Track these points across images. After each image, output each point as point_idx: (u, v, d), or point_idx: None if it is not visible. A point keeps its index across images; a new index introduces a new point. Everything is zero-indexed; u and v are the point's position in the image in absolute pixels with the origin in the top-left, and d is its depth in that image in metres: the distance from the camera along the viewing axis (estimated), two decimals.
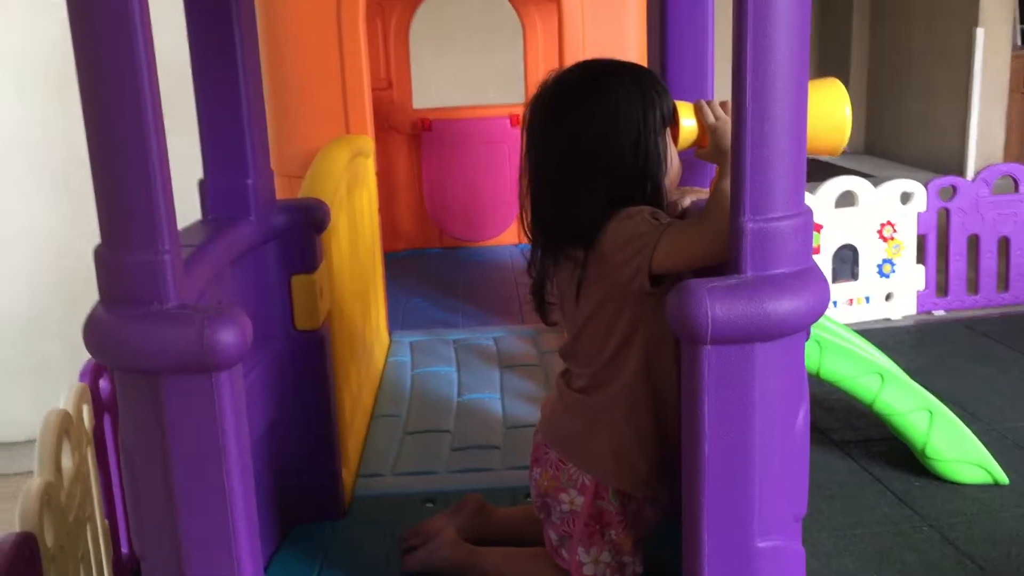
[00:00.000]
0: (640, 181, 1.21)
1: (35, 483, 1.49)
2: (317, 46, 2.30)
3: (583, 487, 1.28)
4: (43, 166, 3.73)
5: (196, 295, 1.13)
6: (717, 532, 1.02)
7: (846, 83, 6.18)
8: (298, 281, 1.53)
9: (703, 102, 1.24)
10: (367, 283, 2.24)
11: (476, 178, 3.32)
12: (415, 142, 3.39)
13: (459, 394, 2.16)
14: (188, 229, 1.35)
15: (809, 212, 1.04)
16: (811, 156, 1.26)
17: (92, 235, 1.03)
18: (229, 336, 0.98)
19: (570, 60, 2.32)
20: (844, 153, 7.49)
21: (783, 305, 0.98)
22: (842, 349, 2.83)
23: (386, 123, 3.32)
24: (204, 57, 1.39)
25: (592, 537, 1.28)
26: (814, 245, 4.25)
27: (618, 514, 1.28)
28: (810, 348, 2.85)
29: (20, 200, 3.41)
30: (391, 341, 2.51)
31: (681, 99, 1.30)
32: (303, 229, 1.53)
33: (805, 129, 1.03)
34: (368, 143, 2.32)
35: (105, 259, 1.02)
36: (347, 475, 1.72)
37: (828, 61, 7.73)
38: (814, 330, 2.81)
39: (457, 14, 4.10)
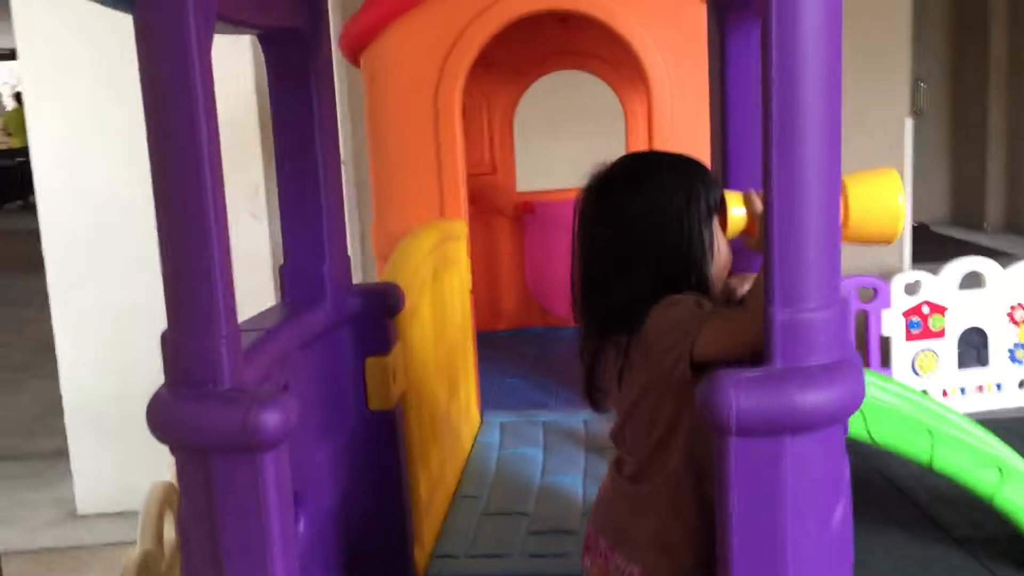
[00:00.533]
0: (685, 269, 1.22)
1: (135, 552, 1.58)
2: (415, 132, 2.41)
3: None
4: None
5: (259, 377, 1.20)
6: None
7: (983, 158, 6.02)
8: (371, 363, 1.59)
9: (752, 191, 1.25)
10: (455, 364, 2.29)
11: None
12: (518, 224, 3.47)
13: (542, 476, 2.17)
14: (264, 313, 1.43)
15: (844, 302, 1.03)
16: (867, 244, 1.25)
17: None
18: (272, 418, 1.04)
19: (659, 142, 2.36)
20: (985, 230, 7.21)
21: (812, 397, 0.97)
22: (957, 440, 2.71)
23: (490, 206, 3.42)
24: (285, 148, 1.49)
25: None
26: (938, 328, 4.10)
27: None
28: (921, 438, 2.74)
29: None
30: (482, 421, 2.54)
31: (742, 186, 1.32)
32: (376, 313, 1.59)
33: (838, 217, 1.02)
34: (461, 227, 2.40)
35: (169, 342, 1.10)
36: (420, 554, 1.75)
37: (964, 137, 7.49)
38: (925, 419, 2.70)
39: (562, 102, 4.21)
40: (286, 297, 1.53)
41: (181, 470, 1.10)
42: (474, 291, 3.12)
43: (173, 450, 1.10)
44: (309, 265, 1.51)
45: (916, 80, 6.88)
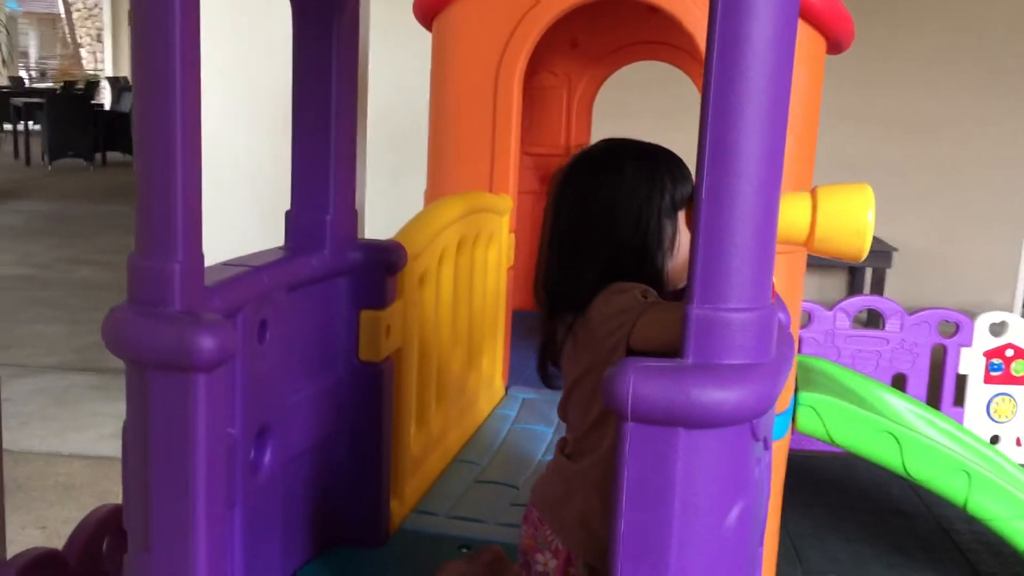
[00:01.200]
0: (637, 258, 1.23)
1: None
2: (473, 103, 2.44)
3: (556, 551, 1.29)
4: (258, 198, 4.17)
5: (225, 308, 1.26)
6: None
7: None
8: (365, 316, 1.64)
9: None
10: (480, 335, 2.33)
11: None
12: None
13: (544, 453, 2.19)
14: (258, 253, 1.50)
15: (771, 310, 1.02)
16: (833, 257, 1.22)
17: None
18: (207, 341, 1.10)
19: None
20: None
21: (712, 394, 0.96)
22: (995, 486, 2.61)
23: None
24: (302, 97, 1.55)
25: None
26: (1020, 373, 3.91)
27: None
28: (958, 479, 2.64)
29: (238, 228, 3.82)
30: (506, 395, 2.57)
31: None
32: (376, 268, 1.64)
33: (774, 221, 1.01)
34: (505, 202, 2.42)
35: (131, 261, 1.17)
36: (400, 507, 1.80)
37: None
38: (963, 462, 2.60)
39: (645, 94, 4.18)
40: (288, 242, 1.59)
41: (128, 381, 1.17)
42: (529, 271, 3.14)
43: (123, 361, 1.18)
44: (312, 213, 1.57)
45: None
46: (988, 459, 2.86)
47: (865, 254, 1.18)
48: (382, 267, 1.65)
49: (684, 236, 1.26)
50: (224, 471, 1.20)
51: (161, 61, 1.10)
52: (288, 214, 1.60)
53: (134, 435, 1.17)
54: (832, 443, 2.71)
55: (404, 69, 3.90)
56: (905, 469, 2.65)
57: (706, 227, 0.98)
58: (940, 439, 2.90)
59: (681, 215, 1.26)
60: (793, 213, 1.20)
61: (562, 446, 1.35)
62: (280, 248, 1.57)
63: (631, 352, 1.16)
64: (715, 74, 0.97)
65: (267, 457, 1.46)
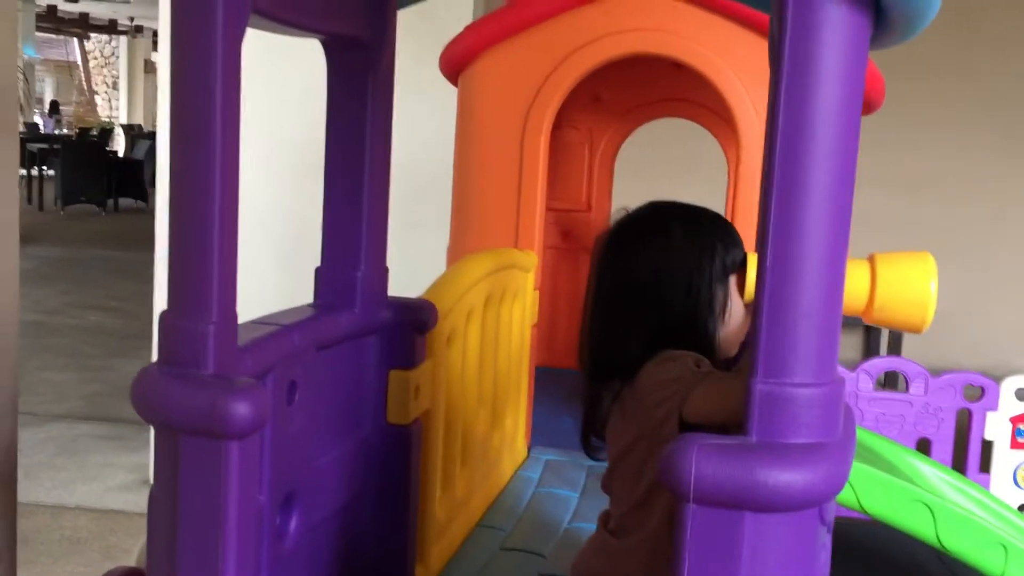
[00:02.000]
0: (688, 325, 1.19)
1: None
2: (499, 158, 2.42)
3: None
4: (280, 247, 4.13)
5: (257, 370, 1.21)
6: None
7: None
8: (394, 376, 1.59)
9: None
10: (505, 394, 2.27)
11: None
12: None
13: (570, 520, 2.12)
14: (289, 310, 1.45)
15: (839, 383, 0.97)
16: (893, 328, 1.17)
17: None
18: (241, 407, 1.04)
19: (742, 200, 2.30)
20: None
21: (779, 476, 0.91)
22: None
23: (580, 244, 3.39)
24: (335, 152, 1.52)
25: None
26: None
27: None
28: (995, 552, 2.56)
29: (254, 275, 3.78)
30: (528, 456, 2.51)
31: None
32: (406, 327, 1.59)
33: (840, 294, 0.96)
34: (530, 258, 2.38)
35: (164, 321, 1.12)
36: (424, 574, 1.73)
37: None
38: (999, 534, 2.52)
39: (667, 151, 4.17)
40: (317, 299, 1.55)
41: (157, 446, 1.12)
42: (551, 326, 3.09)
43: (153, 425, 1.13)
44: (343, 270, 1.53)
45: None
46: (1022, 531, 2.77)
47: (927, 326, 1.13)
48: (412, 326, 1.61)
49: (736, 302, 1.21)
50: (254, 541, 1.14)
51: (202, 112, 1.06)
52: (318, 270, 1.56)
53: (162, 501, 1.11)
54: (863, 512, 2.63)
55: (424, 123, 3.89)
56: (939, 541, 2.56)
57: (771, 297, 0.94)
58: (974, 509, 2.82)
59: (732, 280, 1.22)
60: (851, 281, 1.15)
61: (604, 520, 1.28)
62: (310, 305, 1.53)
63: (683, 424, 1.11)
64: (781, 141, 0.93)
65: (292, 524, 1.40)
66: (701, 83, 2.43)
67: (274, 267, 4.15)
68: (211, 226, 1.08)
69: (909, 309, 1.10)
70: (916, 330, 1.12)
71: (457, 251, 2.52)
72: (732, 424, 1.04)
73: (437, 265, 2.44)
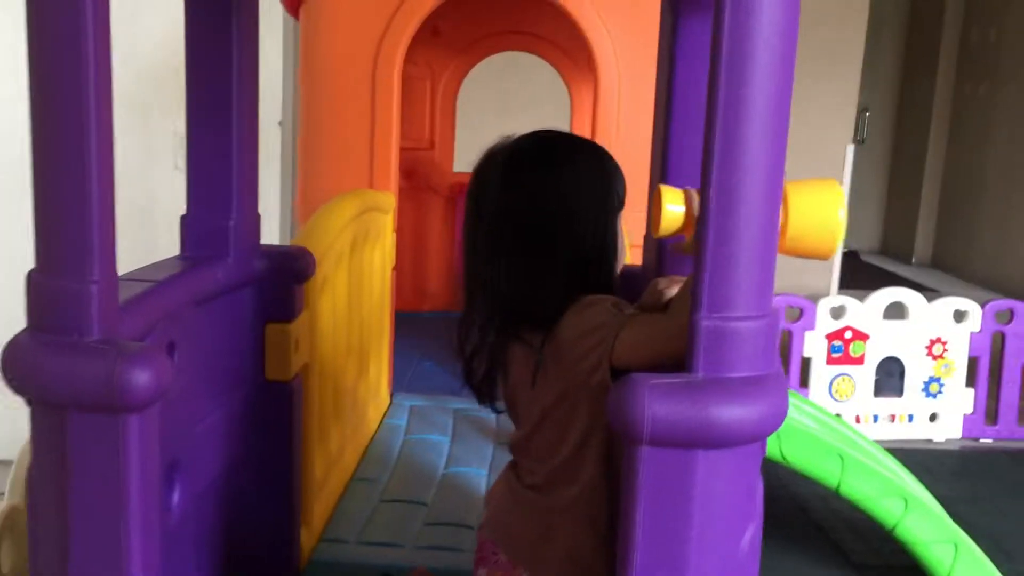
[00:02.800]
0: (597, 263, 1.14)
1: (2, 506, 1.46)
2: (350, 96, 2.30)
3: None
4: None
5: (137, 332, 1.09)
6: None
7: (917, 193, 6.09)
8: (272, 330, 1.49)
9: (692, 191, 1.16)
10: (368, 341, 2.19)
11: None
12: (451, 205, 3.37)
13: (446, 466, 2.09)
14: (156, 265, 1.32)
15: (775, 315, 0.96)
16: (802, 257, 1.19)
17: None
18: (142, 377, 0.93)
19: (602, 135, 2.29)
20: (912, 264, 7.33)
21: (732, 411, 0.90)
22: (866, 467, 2.71)
23: (424, 183, 3.32)
24: (199, 93, 1.38)
25: None
26: (859, 354, 4.13)
27: None
28: (832, 462, 2.73)
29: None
30: (391, 403, 2.45)
31: (683, 184, 1.24)
32: (283, 277, 1.49)
33: (776, 225, 0.95)
34: (389, 199, 2.29)
35: (34, 282, 0.98)
36: (308, 537, 1.65)
37: (901, 169, 7.61)
38: (838, 444, 2.69)
39: (510, 85, 4.13)
40: (185, 250, 1.41)
41: (35, 424, 0.99)
42: (399, 269, 3.01)
43: (28, 402, 0.99)
44: (213, 218, 1.40)
45: (862, 108, 6.96)
46: (853, 443, 2.98)
47: (835, 253, 1.14)
48: (290, 275, 1.50)
49: (623, 239, 1.18)
50: (156, 522, 1.03)
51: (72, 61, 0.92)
52: (184, 219, 1.42)
53: (45, 487, 0.98)
54: None
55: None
56: (783, 455, 2.71)
57: (715, 232, 0.91)
58: (810, 423, 3.00)
59: (621, 216, 1.18)
60: None
61: (519, 477, 1.22)
62: (179, 258, 1.39)
63: (614, 371, 1.06)
64: (723, 78, 0.90)
65: (176, 496, 1.29)
66: (546, 16, 2.39)
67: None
68: (87, 170, 0.95)
69: (821, 237, 1.11)
70: (825, 257, 1.13)
71: (308, 197, 2.40)
72: (661, 365, 1.01)
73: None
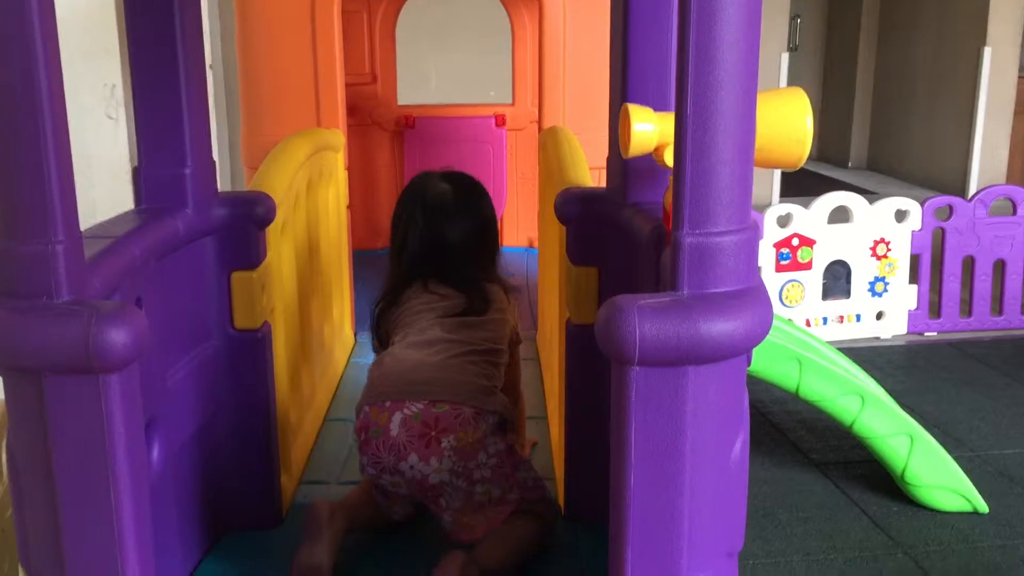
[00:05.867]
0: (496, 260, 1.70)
1: None
2: (290, 36, 2.23)
3: (495, 428, 1.48)
4: None
5: (105, 290, 1.06)
6: (641, 564, 0.95)
7: (851, 98, 6.15)
8: (237, 278, 1.46)
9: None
10: (329, 281, 2.17)
11: None
12: (398, 139, 3.32)
13: None
14: (115, 219, 1.28)
15: (754, 228, 0.97)
16: (770, 167, 1.19)
17: None
18: (119, 335, 0.91)
19: (550, 62, 2.26)
20: (849, 168, 7.43)
21: (719, 326, 0.90)
22: (823, 369, 2.77)
23: (368, 118, 3.25)
24: (142, 39, 1.32)
25: (518, 459, 1.50)
26: (806, 260, 4.20)
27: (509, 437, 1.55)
28: (790, 366, 2.79)
29: None
30: (356, 342, 2.43)
31: (647, 103, 1.23)
32: (244, 223, 1.45)
33: (752, 141, 0.95)
34: (338, 137, 2.25)
35: None
36: (288, 482, 1.65)
37: (833, 75, 7.67)
38: (794, 348, 2.75)
39: (453, 14, 4.04)
40: (142, 203, 1.37)
41: (9, 392, 0.96)
42: (350, 207, 2.97)
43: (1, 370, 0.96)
44: (168, 169, 1.36)
45: (793, 16, 6.97)
46: (808, 345, 3.05)
47: (803, 162, 1.15)
48: (251, 221, 1.47)
49: None
50: (143, 484, 1.02)
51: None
52: (138, 171, 1.37)
53: (27, 455, 0.96)
54: None
55: None
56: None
57: (693, 147, 0.91)
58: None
59: None
60: None
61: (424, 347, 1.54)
62: (137, 211, 1.35)
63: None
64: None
65: (156, 451, 1.28)
66: None
67: None
68: (42, 129, 0.91)
69: (789, 147, 1.11)
70: (793, 167, 1.14)
71: (254, 140, 2.33)
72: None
73: None
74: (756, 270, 0.98)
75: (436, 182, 1.65)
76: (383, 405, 1.43)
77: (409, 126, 3.28)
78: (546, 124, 2.29)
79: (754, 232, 0.97)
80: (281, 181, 1.64)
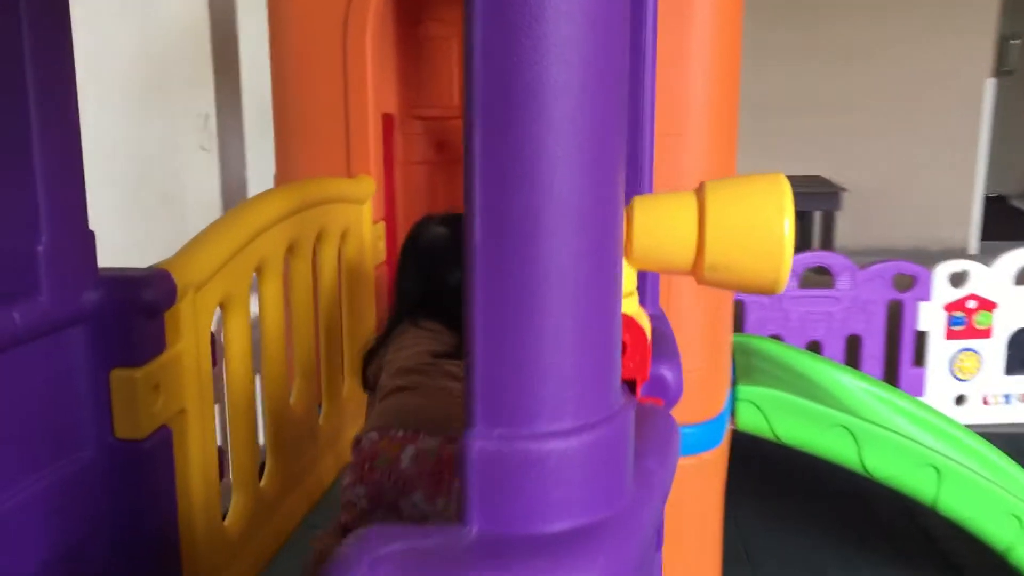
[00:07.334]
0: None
1: None
2: (319, 64, 1.96)
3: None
4: (113, 178, 3.63)
5: None
6: None
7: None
8: (118, 377, 1.18)
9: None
10: (336, 356, 1.87)
11: None
12: None
13: None
14: None
15: (626, 412, 0.58)
16: (739, 291, 0.78)
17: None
18: None
19: None
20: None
21: None
22: (966, 479, 2.23)
23: (455, 155, 2.96)
24: None
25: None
26: (985, 326, 3.56)
27: None
28: (927, 474, 2.27)
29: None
30: None
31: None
32: (126, 311, 1.17)
33: (618, 265, 0.56)
34: (364, 186, 1.95)
35: None
36: None
37: None
38: (930, 453, 2.22)
39: None
40: None
41: None
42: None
43: None
44: (13, 243, 1.10)
45: (1004, 37, 6.18)
46: (961, 444, 2.48)
47: (783, 286, 0.74)
48: (135, 308, 1.18)
49: None
50: None
51: None
52: None
53: None
54: (778, 440, 2.32)
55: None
56: (863, 466, 2.27)
57: (485, 297, 0.53)
58: (904, 424, 2.52)
59: None
60: (672, 226, 0.75)
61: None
62: None
63: None
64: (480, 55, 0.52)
65: None
66: None
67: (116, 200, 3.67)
68: None
69: (754, 264, 0.70)
70: (768, 292, 0.73)
71: (285, 182, 2.09)
72: None
73: None
74: (624, 485, 0.58)
75: (432, 226, 1.58)
76: (395, 435, 1.29)
77: None
78: None
79: (620, 423, 0.57)
80: (212, 252, 1.35)
